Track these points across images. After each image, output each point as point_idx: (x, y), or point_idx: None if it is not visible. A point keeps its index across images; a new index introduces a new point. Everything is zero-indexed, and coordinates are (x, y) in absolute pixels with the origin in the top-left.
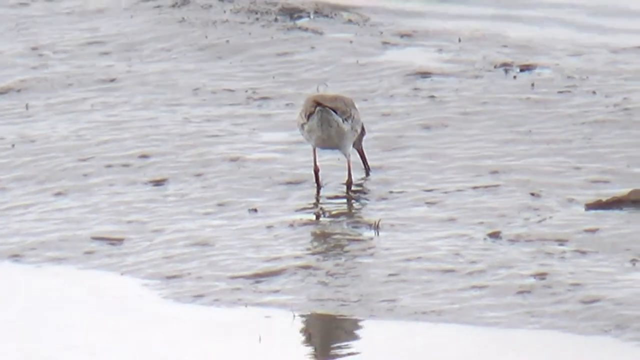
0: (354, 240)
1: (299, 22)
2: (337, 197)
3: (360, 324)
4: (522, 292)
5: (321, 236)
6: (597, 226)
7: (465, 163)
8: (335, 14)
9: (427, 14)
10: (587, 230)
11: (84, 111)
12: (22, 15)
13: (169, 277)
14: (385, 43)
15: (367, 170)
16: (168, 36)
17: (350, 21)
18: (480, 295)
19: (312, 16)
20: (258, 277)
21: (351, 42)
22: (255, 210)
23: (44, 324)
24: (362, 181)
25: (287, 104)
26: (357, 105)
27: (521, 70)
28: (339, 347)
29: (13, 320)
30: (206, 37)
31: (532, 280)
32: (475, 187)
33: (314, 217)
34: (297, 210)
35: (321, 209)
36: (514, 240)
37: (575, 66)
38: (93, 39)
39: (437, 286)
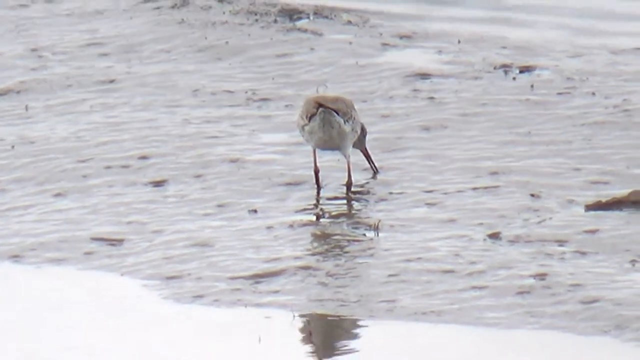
0: (353, 241)
1: (299, 24)
2: (337, 198)
3: (360, 324)
4: (522, 292)
5: (321, 237)
6: (597, 227)
7: (465, 164)
8: (335, 15)
9: (426, 16)
10: (586, 231)
11: (84, 112)
12: (21, 16)
13: (168, 278)
14: (384, 44)
15: (375, 170)
16: (167, 37)
17: (349, 22)
18: (480, 295)
19: (311, 17)
20: (258, 277)
21: (351, 43)
22: (255, 211)
23: (43, 325)
24: (362, 182)
25: (286, 105)
26: (356, 106)
27: (521, 72)
28: (339, 348)
29: (13, 321)
30: (206, 38)
31: (531, 281)
32: (475, 188)
33: (313, 218)
34: (296, 211)
35: (321, 209)
36: (513, 241)
37: (574, 67)
38: (92, 41)
39: (436, 287)
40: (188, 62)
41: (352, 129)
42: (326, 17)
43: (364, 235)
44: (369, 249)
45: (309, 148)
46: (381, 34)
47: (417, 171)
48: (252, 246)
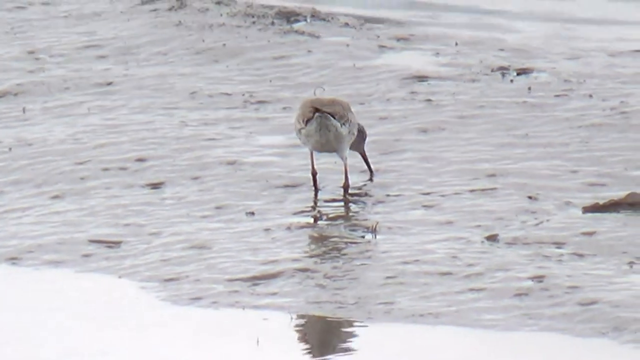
0: (351, 243)
1: (296, 26)
2: (334, 200)
3: (357, 326)
4: (520, 294)
5: (319, 239)
6: (594, 229)
7: (462, 166)
8: (332, 18)
9: (424, 19)
10: (584, 233)
11: (81, 115)
12: (18, 18)
13: (166, 280)
14: (382, 47)
15: (371, 173)
16: (165, 40)
17: (346, 25)
18: (478, 297)
19: (308, 20)
20: (256, 279)
21: (348, 45)
22: (253, 213)
23: (41, 327)
24: (359, 184)
25: (284, 108)
26: (352, 109)
27: (518, 74)
28: (336, 350)
29: (11, 323)
30: (203, 40)
31: (529, 283)
32: (472, 191)
33: (311, 220)
34: (294, 213)
35: (319, 212)
36: (511, 243)
37: (572, 70)
38: (90, 43)
39: (434, 289)
40: (185, 64)
41: (349, 132)
42: (323, 19)
43: (362, 237)
44: (367, 251)
45: (306, 150)
46: (378, 36)
47: (414, 173)
48: (250, 248)
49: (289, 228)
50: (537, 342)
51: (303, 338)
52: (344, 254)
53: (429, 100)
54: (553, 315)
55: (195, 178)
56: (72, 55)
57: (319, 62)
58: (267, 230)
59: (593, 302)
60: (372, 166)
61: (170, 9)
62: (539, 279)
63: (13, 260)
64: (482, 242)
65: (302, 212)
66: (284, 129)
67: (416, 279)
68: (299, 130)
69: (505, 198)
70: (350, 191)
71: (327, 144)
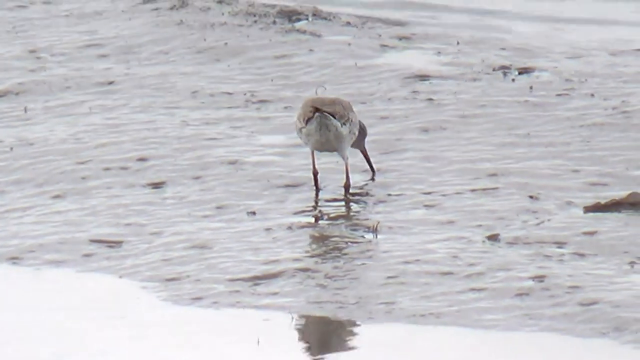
0: (352, 242)
1: (298, 25)
2: (335, 200)
3: (358, 326)
4: (521, 294)
5: (320, 239)
6: (596, 229)
7: (464, 166)
8: (334, 17)
9: (424, 18)
10: (585, 233)
11: (82, 114)
12: (20, 17)
13: (167, 280)
14: (383, 46)
15: (373, 171)
16: (166, 39)
17: (348, 24)
18: (479, 297)
19: (310, 19)
20: (257, 279)
21: (349, 44)
22: (254, 213)
23: (42, 326)
24: (360, 184)
25: (285, 107)
26: (354, 108)
27: (519, 73)
28: (337, 350)
29: (12, 322)
30: (204, 39)
31: (530, 283)
32: (473, 190)
33: (312, 220)
34: (295, 213)
35: (320, 211)
36: (512, 243)
37: (573, 69)
38: (91, 42)
39: (435, 289)
40: (187, 63)
41: (350, 131)
42: (325, 18)
43: (363, 237)
44: (368, 250)
45: (307, 150)
46: (380, 35)
47: (415, 173)
48: (251, 248)
49: (290, 228)
50: (538, 342)
51: (304, 338)
52: (345, 254)
53: (431, 99)
54: (554, 315)
55: (197, 178)
56: (74, 54)
57: (320, 61)
58: (268, 230)
59: (594, 302)
60: (373, 164)
61: (171, 8)
62: (540, 278)
63: (14, 259)
64: (483, 241)
65: (303, 211)
66: (285, 128)
67: (417, 278)
68: (300, 130)
69: (507, 197)
70: (351, 191)
71: (327, 144)
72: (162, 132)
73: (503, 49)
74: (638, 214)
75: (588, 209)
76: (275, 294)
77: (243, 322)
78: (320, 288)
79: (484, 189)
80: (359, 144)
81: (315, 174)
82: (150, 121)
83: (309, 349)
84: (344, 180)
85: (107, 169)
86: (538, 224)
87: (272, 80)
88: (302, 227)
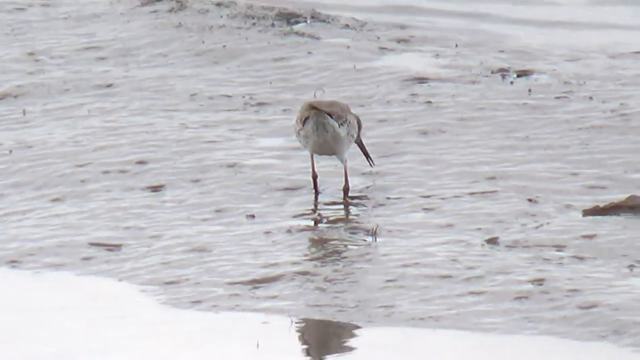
0: (351, 246)
1: (296, 27)
2: (334, 203)
3: (357, 330)
4: (520, 297)
5: (319, 242)
6: (595, 232)
7: (463, 169)
8: (332, 19)
9: (424, 19)
10: (584, 236)
11: (81, 117)
12: (18, 20)
13: (166, 283)
14: (382, 48)
15: (370, 161)
16: (165, 41)
17: (347, 26)
18: (478, 301)
19: (309, 21)
20: (256, 283)
21: (348, 47)
22: (253, 216)
23: (41, 330)
24: (360, 187)
25: (284, 110)
26: (352, 111)
27: (518, 76)
28: (336, 353)
29: (11, 323)
30: (203, 42)
31: (529, 286)
32: (472, 193)
33: (311, 223)
34: (294, 216)
35: (319, 215)
36: (511, 246)
37: (572, 71)
38: (90, 44)
39: (434, 292)
40: (185, 66)
41: (348, 133)
42: (323, 21)
43: (362, 240)
44: (367, 254)
45: (307, 153)
46: (379, 38)
47: (414, 176)
48: (250, 251)
49: (289, 231)
50: (537, 346)
51: (303, 341)
52: (344, 257)
53: (429, 102)
54: (553, 318)
55: (196, 181)
56: (72, 57)
57: (319, 64)
58: (267, 233)
59: (593, 306)
60: (370, 155)
61: (170, 11)
62: (539, 282)
63: (13, 263)
64: (482, 245)
65: (303, 215)
66: (284, 131)
67: (416, 282)
68: (298, 132)
69: (506, 201)
70: (350, 194)
71: (325, 145)
72: (161, 135)
73: (501, 51)
74: (637, 217)
75: (587, 212)
76: (274, 297)
77: (242, 325)
78: (320, 291)
79: (483, 192)
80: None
81: (314, 177)
82: (149, 124)
83: (308, 352)
84: (343, 184)
85: (106, 172)
86: (537, 227)
87: (270, 83)
88: (302, 230)
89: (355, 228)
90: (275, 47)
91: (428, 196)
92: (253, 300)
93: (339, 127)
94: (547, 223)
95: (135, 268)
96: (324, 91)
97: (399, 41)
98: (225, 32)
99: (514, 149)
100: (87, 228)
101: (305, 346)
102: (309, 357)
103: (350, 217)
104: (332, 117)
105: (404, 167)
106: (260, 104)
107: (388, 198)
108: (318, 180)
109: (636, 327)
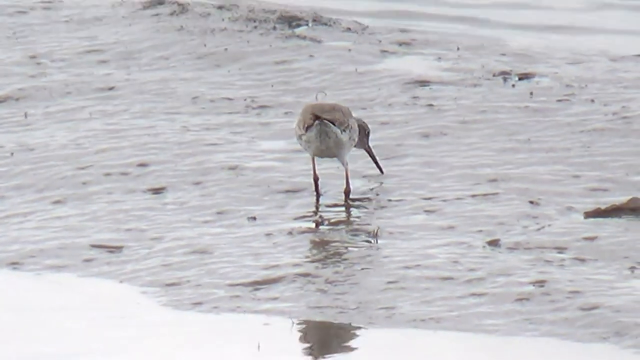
0: (352, 248)
1: (298, 31)
2: (336, 206)
3: (358, 331)
4: (521, 299)
5: (320, 244)
6: (596, 234)
7: (464, 171)
8: (334, 22)
9: (425, 22)
10: (586, 238)
11: (83, 120)
12: (20, 23)
13: (168, 285)
14: (384, 51)
15: (380, 169)
16: (166, 44)
17: (348, 29)
18: (479, 302)
19: (310, 24)
20: (257, 284)
21: (350, 50)
22: (254, 218)
23: (42, 331)
24: (361, 189)
25: (285, 113)
26: (354, 114)
27: (520, 79)
28: (337, 355)
29: (12, 323)
30: (205, 45)
31: (531, 288)
32: (474, 195)
33: (313, 225)
34: (296, 219)
35: (320, 217)
36: (512, 248)
37: (574, 74)
38: (91, 48)
39: (435, 294)
40: (187, 69)
41: (350, 138)
42: (325, 24)
43: (363, 242)
44: (368, 256)
45: (308, 155)
46: (380, 41)
47: (416, 178)
48: (251, 253)
49: (290, 233)
50: (539, 347)
51: (304, 343)
52: (345, 259)
53: (431, 105)
54: (554, 320)
55: (197, 183)
56: (74, 60)
57: (320, 67)
58: (268, 235)
59: (594, 307)
60: (379, 162)
61: (171, 14)
62: (540, 283)
63: (14, 265)
64: (484, 247)
65: (304, 217)
66: (285, 134)
67: (417, 283)
68: (300, 137)
69: (507, 203)
70: (352, 196)
71: (327, 150)
72: (163, 138)
73: (503, 54)
74: (638, 219)
75: (588, 215)
76: (275, 299)
77: (243, 327)
78: (321, 293)
79: (485, 195)
80: (361, 143)
81: (315, 179)
82: (150, 127)
83: (310, 354)
84: (344, 186)
85: (108, 174)
86: (538, 229)
87: (272, 86)
88: (303, 232)
89: (356, 230)
90: (277, 50)
91: (429, 198)
92: (254, 302)
93: (342, 133)
94: (549, 225)
95: (137, 270)
96: (325, 94)
97: (400, 44)
98: (227, 35)
99: (515, 151)
100: (89, 230)
101: (306, 348)
102: (310, 359)
103: (352, 219)
104: (334, 125)
105: (406, 169)
106: (261, 106)
107: (389, 200)
108: (319, 182)
109: (637, 328)
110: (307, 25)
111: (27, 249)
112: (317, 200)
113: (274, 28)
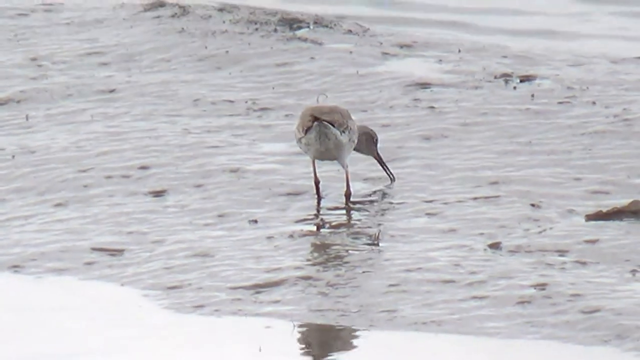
0: (354, 251)
1: (299, 33)
2: (337, 208)
3: (360, 334)
4: (522, 302)
5: (321, 247)
6: (597, 237)
7: (465, 174)
8: (335, 25)
9: (426, 24)
10: (587, 241)
11: (84, 122)
12: (21, 25)
13: (169, 288)
14: (385, 53)
15: (391, 176)
16: (167, 47)
17: (349, 31)
18: (481, 305)
19: (311, 26)
20: (258, 287)
21: (351, 52)
22: (256, 221)
23: (43, 334)
24: (362, 192)
25: (286, 115)
26: (353, 116)
27: (521, 81)
28: (339, 358)
29: (13, 323)
30: (206, 47)
31: (532, 291)
32: (475, 198)
33: (314, 228)
34: (297, 221)
35: (321, 220)
36: (514, 251)
37: (575, 77)
38: (92, 50)
39: (437, 297)
40: (188, 71)
41: (349, 139)
42: (326, 26)
43: (364, 245)
44: (369, 259)
45: (309, 158)
46: (381, 43)
47: (417, 181)
48: (253, 256)
49: (291, 236)
50: (540, 350)
51: (305, 346)
52: (347, 262)
53: (432, 107)
54: (555, 323)
55: (198, 186)
56: (75, 62)
57: (321, 69)
58: (269, 238)
59: (596, 310)
60: (389, 169)
61: (173, 16)
62: (541, 286)
63: (16, 268)
64: (485, 250)
65: (305, 220)
66: (286, 136)
67: (419, 286)
68: (299, 139)
69: (508, 206)
70: (353, 199)
71: (327, 152)
72: (164, 140)
73: (504, 56)
74: (639, 222)
75: (590, 217)
76: (276, 302)
77: (245, 329)
78: (322, 296)
79: (486, 197)
80: (370, 150)
81: (316, 182)
82: (151, 129)
83: (310, 357)
84: (345, 189)
85: (109, 177)
86: (540, 232)
87: (273, 88)
88: (304, 235)
89: (357, 233)
90: (278, 52)
91: (431, 201)
92: (255, 304)
93: (341, 134)
94: (550, 228)
95: (138, 273)
96: (326, 96)
97: (401, 46)
98: (228, 38)
99: (516, 154)
100: (90, 233)
101: (307, 350)
102: None
103: (353, 222)
104: (334, 126)
105: (407, 172)
106: (262, 109)
107: (391, 203)
108: (320, 185)
109: (639, 331)
110: (308, 27)
111: (28, 252)
112: (318, 203)
113: (275, 30)
